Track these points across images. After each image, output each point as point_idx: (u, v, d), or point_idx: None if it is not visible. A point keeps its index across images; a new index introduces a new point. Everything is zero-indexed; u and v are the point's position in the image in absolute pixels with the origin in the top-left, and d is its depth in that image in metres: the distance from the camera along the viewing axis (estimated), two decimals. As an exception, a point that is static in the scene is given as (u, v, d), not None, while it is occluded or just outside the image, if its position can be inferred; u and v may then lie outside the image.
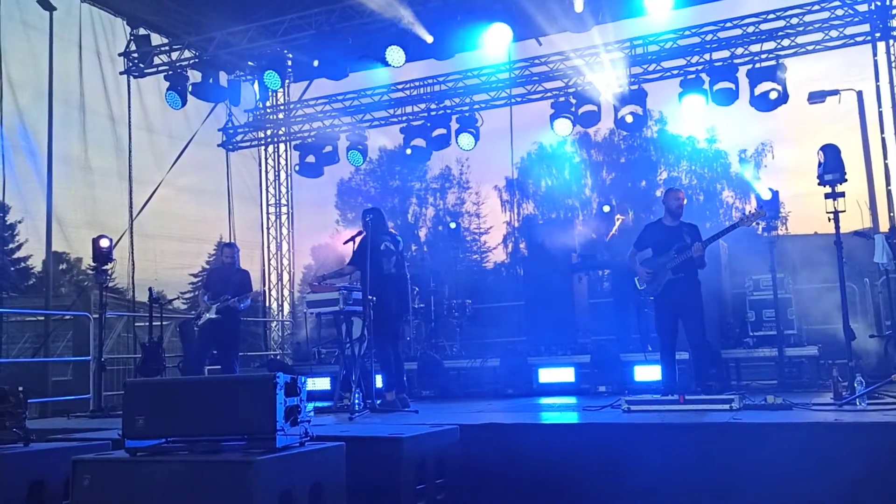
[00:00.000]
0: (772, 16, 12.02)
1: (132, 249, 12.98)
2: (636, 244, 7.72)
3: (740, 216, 7.56)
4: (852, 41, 11.82)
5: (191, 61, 13.14)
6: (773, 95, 11.60)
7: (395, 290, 7.94)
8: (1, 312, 11.84)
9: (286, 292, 16.37)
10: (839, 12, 11.63)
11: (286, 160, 16.47)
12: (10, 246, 16.98)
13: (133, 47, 13.22)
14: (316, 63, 12.22)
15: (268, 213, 16.32)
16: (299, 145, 15.20)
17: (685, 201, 7.73)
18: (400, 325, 8.22)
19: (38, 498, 4.69)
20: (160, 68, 13.25)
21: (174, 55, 13.29)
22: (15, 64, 11.53)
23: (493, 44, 11.48)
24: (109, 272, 9.83)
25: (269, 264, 16.21)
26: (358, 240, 7.89)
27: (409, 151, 14.27)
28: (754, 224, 7.66)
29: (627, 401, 6.34)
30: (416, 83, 14.39)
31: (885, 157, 11.58)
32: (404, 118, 14.52)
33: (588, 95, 12.91)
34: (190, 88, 12.98)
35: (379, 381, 8.00)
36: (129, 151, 13.19)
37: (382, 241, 7.92)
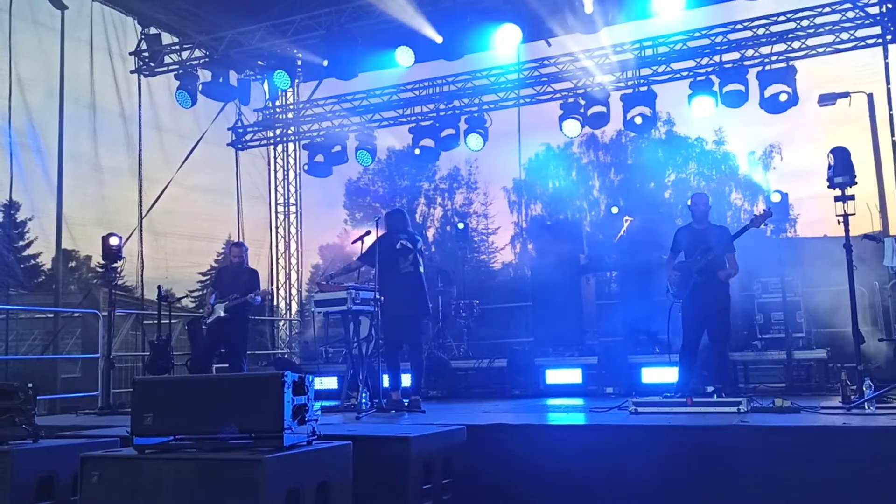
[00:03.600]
0: (782, 18, 11.98)
1: (141, 247, 13.04)
2: (672, 248, 7.81)
3: (750, 218, 7.57)
4: (863, 44, 11.76)
5: (201, 60, 13.19)
6: (783, 98, 11.57)
7: (410, 289, 7.83)
8: (10, 310, 11.90)
9: (294, 291, 16.41)
10: (850, 15, 11.57)
11: (295, 159, 16.51)
12: (20, 243, 17.06)
13: (144, 46, 13.28)
14: (325, 63, 12.25)
15: (276, 212, 16.38)
16: (308, 145, 15.23)
17: (708, 206, 7.77)
18: (415, 325, 8.04)
19: (48, 494, 4.71)
20: (171, 67, 13.31)
21: (185, 54, 13.34)
22: (25, 62, 11.59)
23: (503, 45, 11.49)
24: (119, 270, 9.86)
25: (278, 263, 16.26)
26: (367, 239, 7.89)
27: (417, 151, 14.28)
28: (766, 224, 7.64)
29: (635, 402, 6.33)
30: (426, 83, 14.38)
31: (896, 160, 11.52)
32: (413, 118, 14.53)
33: (597, 96, 12.89)
34: (200, 87, 13.03)
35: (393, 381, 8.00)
36: (140, 150, 13.26)
37: (398, 240, 7.80)
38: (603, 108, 12.86)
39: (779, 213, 10.95)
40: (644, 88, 12.59)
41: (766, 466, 4.94)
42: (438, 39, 11.31)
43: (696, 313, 7.47)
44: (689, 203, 7.85)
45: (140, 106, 13.31)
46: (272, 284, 15.91)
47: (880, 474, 4.69)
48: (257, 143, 15.91)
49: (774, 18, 12.02)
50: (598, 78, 13.01)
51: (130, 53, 13.27)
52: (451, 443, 5.32)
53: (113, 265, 9.62)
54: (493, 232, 36.95)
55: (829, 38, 11.85)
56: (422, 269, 8.05)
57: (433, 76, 14.27)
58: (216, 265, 16.45)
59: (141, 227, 13.14)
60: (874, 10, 11.46)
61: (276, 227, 16.34)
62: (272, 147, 16.29)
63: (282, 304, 16.16)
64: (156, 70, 13.41)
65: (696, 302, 7.44)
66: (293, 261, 16.44)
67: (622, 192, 31.23)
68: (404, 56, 11.74)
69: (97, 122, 12.63)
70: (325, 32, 11.85)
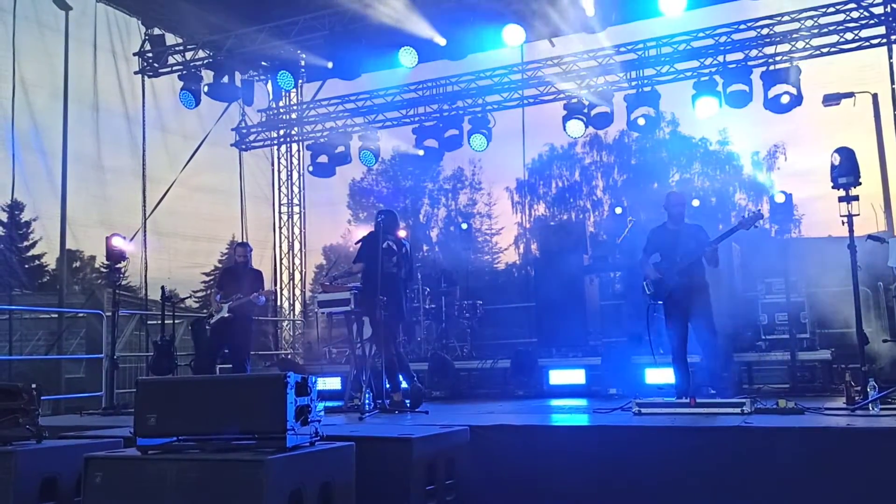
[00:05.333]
0: (786, 18, 11.95)
1: (145, 248, 13.06)
2: (645, 249, 7.73)
3: (740, 219, 7.47)
4: (868, 44, 11.72)
5: (205, 61, 13.19)
6: (787, 98, 11.53)
7: (387, 290, 7.78)
8: (14, 310, 11.92)
9: (297, 292, 16.42)
10: (854, 14, 11.54)
11: (298, 160, 16.52)
12: (24, 244, 17.10)
13: (148, 47, 13.31)
14: (329, 64, 12.25)
15: (280, 213, 16.39)
16: (312, 145, 15.23)
17: (685, 205, 7.71)
18: (386, 326, 7.97)
19: (51, 494, 4.72)
20: (174, 68, 13.32)
21: (188, 55, 13.36)
22: (29, 64, 11.62)
23: (507, 45, 11.48)
24: (122, 270, 9.88)
25: (281, 264, 16.27)
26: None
27: (421, 152, 14.28)
28: (757, 226, 7.56)
29: (638, 403, 6.33)
30: (429, 84, 14.37)
31: (900, 160, 11.50)
32: (417, 119, 14.52)
33: (601, 97, 12.88)
34: (204, 88, 13.03)
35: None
36: (143, 151, 13.29)
37: (385, 240, 7.91)
38: (607, 109, 12.83)
39: (783, 213, 10.93)
40: (648, 89, 12.57)
41: (769, 467, 4.93)
42: (442, 41, 11.31)
43: (678, 314, 7.42)
44: (664, 203, 7.76)
45: (144, 107, 13.34)
46: (276, 285, 15.93)
47: (884, 476, 4.68)
48: (261, 143, 15.92)
49: (778, 19, 11.99)
50: (602, 78, 13.00)
51: (134, 54, 13.30)
52: (455, 443, 5.32)
53: (117, 266, 9.65)
54: (496, 232, 36.93)
55: (834, 39, 11.82)
56: (403, 273, 8.10)
57: (436, 77, 14.26)
58: (220, 265, 16.46)
59: (145, 227, 13.16)
60: (878, 10, 11.42)
61: (280, 228, 16.35)
62: (276, 148, 16.30)
63: (285, 305, 16.17)
64: (159, 71, 13.43)
65: (677, 303, 7.40)
66: (297, 261, 16.45)
67: (626, 193, 31.20)
68: (407, 57, 11.74)
69: (101, 122, 12.66)
70: (329, 33, 11.86)
